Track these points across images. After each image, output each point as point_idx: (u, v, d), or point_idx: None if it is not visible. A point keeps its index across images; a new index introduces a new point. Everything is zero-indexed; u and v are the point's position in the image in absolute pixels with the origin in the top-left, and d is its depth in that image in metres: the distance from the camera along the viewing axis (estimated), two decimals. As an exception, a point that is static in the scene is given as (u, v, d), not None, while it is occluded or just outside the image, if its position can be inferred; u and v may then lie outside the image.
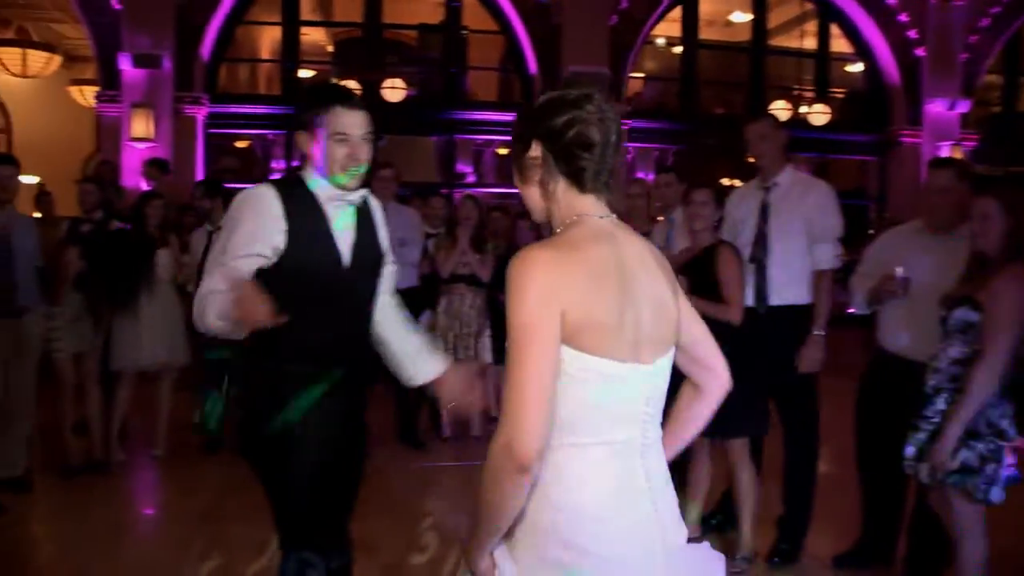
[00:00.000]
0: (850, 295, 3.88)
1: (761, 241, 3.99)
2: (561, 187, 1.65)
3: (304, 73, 12.63)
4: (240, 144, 13.16)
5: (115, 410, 5.38)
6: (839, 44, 13.51)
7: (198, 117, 11.21)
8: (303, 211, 2.34)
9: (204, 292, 2.23)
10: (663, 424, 1.74)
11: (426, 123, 12.31)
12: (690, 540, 4.30)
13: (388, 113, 11.39)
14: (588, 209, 1.65)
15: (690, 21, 12.68)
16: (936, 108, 12.93)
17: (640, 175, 11.24)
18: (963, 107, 13.05)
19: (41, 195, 8.21)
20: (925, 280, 3.47)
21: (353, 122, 2.31)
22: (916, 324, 3.54)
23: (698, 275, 3.73)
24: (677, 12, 12.58)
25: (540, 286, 1.51)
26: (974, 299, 3.08)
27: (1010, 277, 3.00)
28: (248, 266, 2.26)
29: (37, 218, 6.78)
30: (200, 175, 11.05)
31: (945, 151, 12.64)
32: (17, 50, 11.55)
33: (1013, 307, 2.99)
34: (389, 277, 2.62)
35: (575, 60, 11.26)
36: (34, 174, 10.39)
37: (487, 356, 6.04)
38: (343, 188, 2.36)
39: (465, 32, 12.48)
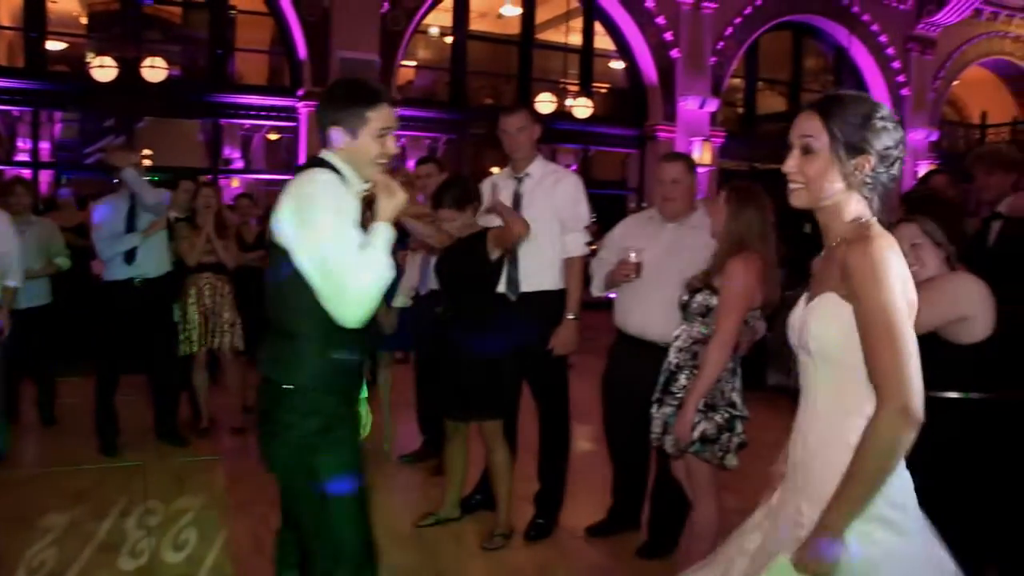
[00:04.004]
0: (590, 279, 4.12)
1: (514, 230, 4.11)
2: (861, 197, 1.85)
3: (53, 45, 11.72)
4: (-22, 121, 12.05)
5: None
6: (603, 41, 14.20)
7: (-75, 88, 10.15)
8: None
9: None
10: None
11: (190, 105, 11.79)
12: (449, 521, 4.46)
13: (148, 94, 10.82)
14: (866, 213, 1.85)
15: (461, 12, 12.89)
16: (688, 106, 13.90)
17: (410, 164, 11.33)
18: (712, 106, 14.12)
19: None
20: (657, 264, 3.73)
21: (394, 121, 2.40)
22: (648, 305, 3.80)
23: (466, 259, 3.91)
24: (449, 2, 12.76)
25: (896, 271, 1.75)
26: (711, 285, 3.38)
27: (739, 263, 3.31)
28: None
29: None
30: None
31: (697, 146, 13.63)
32: None
33: (741, 291, 3.30)
34: None
35: (345, 46, 11.17)
36: None
37: (240, 344, 5.88)
38: (367, 180, 2.41)
39: (233, 12, 12.03)
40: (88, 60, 11.20)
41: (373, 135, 2.35)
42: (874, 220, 1.84)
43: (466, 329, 3.93)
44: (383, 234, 2.28)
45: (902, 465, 1.78)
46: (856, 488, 1.70)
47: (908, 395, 1.68)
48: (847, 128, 1.81)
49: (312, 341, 2.30)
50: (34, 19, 11.20)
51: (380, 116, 2.35)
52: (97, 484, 4.78)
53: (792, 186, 1.89)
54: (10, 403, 5.99)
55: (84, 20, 12.71)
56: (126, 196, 5.47)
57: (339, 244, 2.19)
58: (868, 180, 1.82)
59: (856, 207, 1.85)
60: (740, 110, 15.93)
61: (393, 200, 2.33)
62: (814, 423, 1.90)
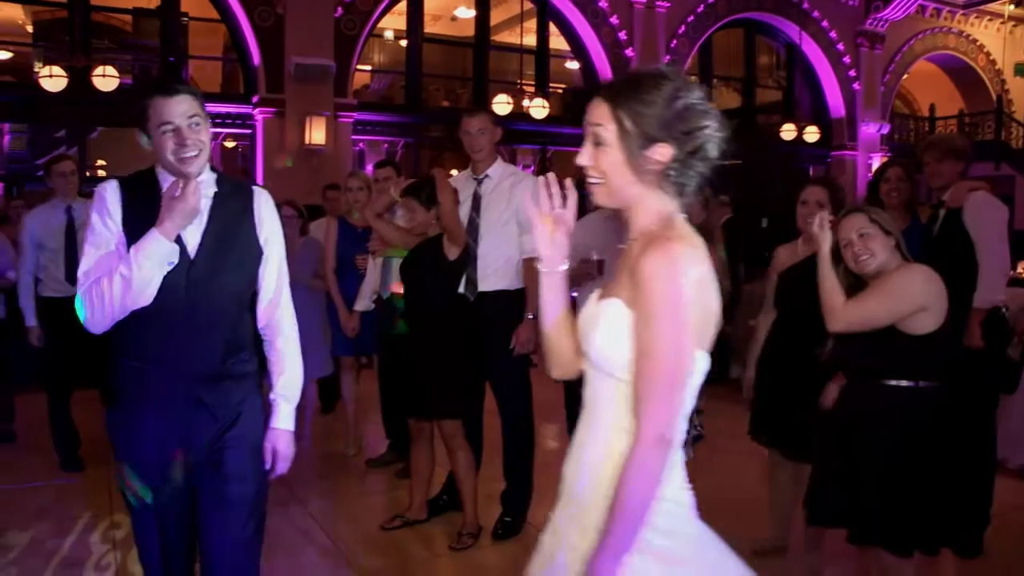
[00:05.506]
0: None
1: (472, 230, 4.15)
2: (665, 189, 1.61)
3: (-2, 55, 11.52)
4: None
5: None
6: (557, 42, 14.25)
7: None
8: (145, 205, 2.26)
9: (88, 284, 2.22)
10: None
11: (143, 114, 11.64)
12: (417, 522, 4.48)
13: (100, 103, 10.66)
14: (674, 208, 1.63)
15: (415, 15, 12.87)
16: (644, 104, 14.00)
17: (369, 168, 11.31)
18: (667, 104, 14.23)
19: None
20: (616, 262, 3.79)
21: (174, 110, 2.23)
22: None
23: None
24: (403, 6, 12.72)
25: (688, 280, 1.51)
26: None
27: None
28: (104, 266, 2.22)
29: None
30: None
31: (653, 144, 13.74)
32: None
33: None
34: (274, 276, 2.45)
35: (300, 52, 11.10)
36: None
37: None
38: (185, 177, 2.26)
39: (185, 19, 11.89)
40: (36, 70, 11.02)
41: (157, 132, 2.25)
42: (679, 217, 1.63)
43: (425, 329, 3.96)
44: (144, 244, 2.17)
45: (674, 488, 1.63)
46: (622, 526, 1.51)
47: (669, 423, 1.52)
48: (638, 115, 1.56)
49: (109, 344, 2.32)
50: (-22, 28, 11.00)
51: (155, 110, 2.24)
52: (59, 500, 4.73)
53: (590, 181, 1.65)
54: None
55: (29, 28, 12.49)
56: (62, 208, 5.28)
57: (82, 248, 2.29)
58: (671, 172, 1.59)
59: (659, 202, 1.62)
60: (697, 108, 16.11)
61: (175, 207, 2.19)
62: (592, 441, 1.68)
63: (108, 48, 12.20)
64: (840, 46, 16.10)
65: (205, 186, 2.31)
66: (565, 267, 1.76)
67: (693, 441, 3.41)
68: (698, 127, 1.57)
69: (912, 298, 2.84)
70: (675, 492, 1.63)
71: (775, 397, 3.70)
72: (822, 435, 3.12)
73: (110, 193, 2.30)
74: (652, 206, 1.61)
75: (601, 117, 1.60)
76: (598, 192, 1.64)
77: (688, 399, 1.60)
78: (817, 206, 3.64)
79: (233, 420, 2.34)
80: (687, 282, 1.50)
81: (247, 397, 2.38)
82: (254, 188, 2.46)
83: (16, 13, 12.16)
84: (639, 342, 1.52)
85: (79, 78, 10.44)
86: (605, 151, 1.60)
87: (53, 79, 10.28)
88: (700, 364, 1.60)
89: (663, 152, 1.56)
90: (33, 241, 5.21)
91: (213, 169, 2.39)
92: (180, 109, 2.23)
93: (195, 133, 2.25)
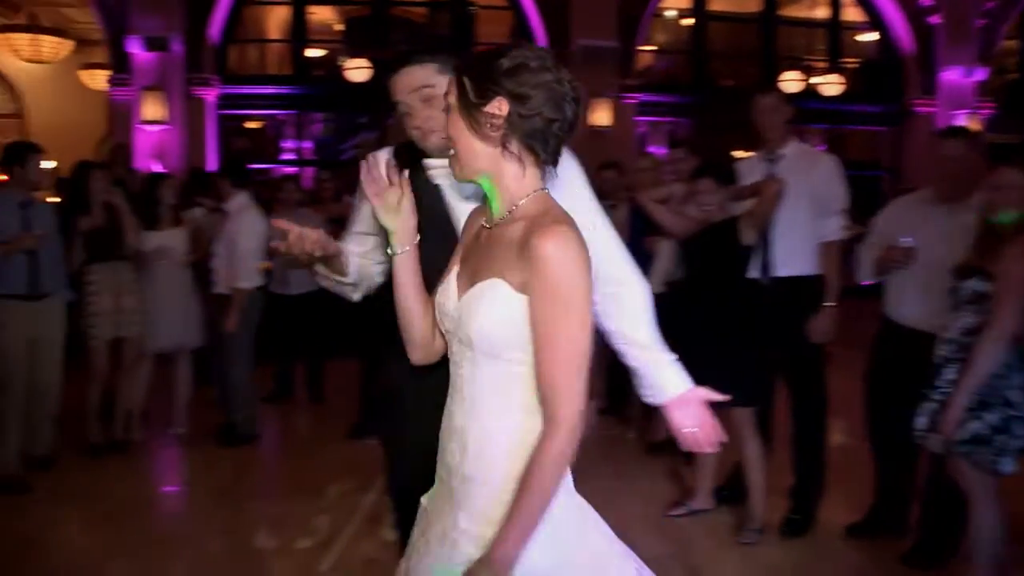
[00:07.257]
0: (858, 265, 3.88)
1: (767, 213, 3.99)
2: (518, 152, 1.59)
3: (313, 52, 12.65)
4: (252, 125, 13.21)
5: (135, 391, 5.45)
6: (851, 13, 13.40)
7: (208, 99, 11.26)
8: (414, 181, 1.85)
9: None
10: None
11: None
12: (702, 512, 4.40)
13: (398, 91, 11.41)
14: (539, 182, 1.63)
15: (701, -8, 12.61)
16: (951, 76, 12.80)
17: (652, 149, 11.22)
18: (980, 75, 12.92)
19: (60, 180, 8.27)
20: (932, 250, 3.46)
21: (398, 86, 1.97)
22: (922, 294, 3.55)
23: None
24: (687, -17, 12.52)
25: (583, 265, 1.52)
26: (986, 270, 3.07)
27: (1020, 245, 3.00)
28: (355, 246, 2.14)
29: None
30: (212, 156, 11.13)
31: (961, 120, 12.52)
32: (27, 36, 11.57)
33: (1022, 275, 2.98)
34: None
35: (584, 34, 11.23)
36: (49, 159, 10.42)
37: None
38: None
39: (473, 8, 12.44)
40: (342, 63, 11.98)
41: (397, 111, 2.07)
42: (552, 198, 1.62)
43: (714, 315, 3.84)
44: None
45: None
46: (530, 510, 1.52)
47: (578, 413, 1.52)
48: (474, 72, 1.58)
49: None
50: (298, 30, 12.14)
51: (391, 90, 2.03)
52: (362, 459, 5.08)
53: (450, 153, 1.65)
54: (284, 383, 6.58)
55: (339, 27, 13.61)
56: None
57: None
58: (515, 129, 1.55)
59: (520, 174, 1.60)
60: (1013, 76, 14.41)
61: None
62: (473, 424, 1.62)
63: (406, 40, 13.00)
64: None
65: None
66: (409, 248, 1.75)
67: (1016, 453, 3.04)
68: (536, 81, 1.55)
69: None
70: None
71: None
72: None
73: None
74: (514, 179, 1.60)
75: (449, 85, 1.64)
76: (454, 165, 1.65)
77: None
78: None
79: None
80: (585, 267, 1.51)
81: None
82: None
83: (329, 15, 13.31)
84: (543, 328, 1.51)
85: (379, 69, 11.24)
86: (452, 117, 1.61)
87: (358, 71, 11.16)
88: None
89: (500, 106, 1.54)
90: None
91: None
92: (404, 83, 1.96)
93: (427, 107, 1.95)
